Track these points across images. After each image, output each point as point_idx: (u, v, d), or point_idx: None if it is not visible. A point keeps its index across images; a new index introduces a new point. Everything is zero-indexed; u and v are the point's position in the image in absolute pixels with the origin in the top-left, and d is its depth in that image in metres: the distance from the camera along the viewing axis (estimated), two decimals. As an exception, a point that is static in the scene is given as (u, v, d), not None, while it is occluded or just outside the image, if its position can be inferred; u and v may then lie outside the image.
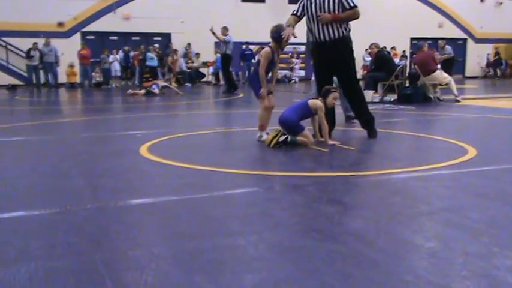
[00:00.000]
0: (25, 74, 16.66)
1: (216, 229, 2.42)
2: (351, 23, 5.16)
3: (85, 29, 18.09)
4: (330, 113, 5.17)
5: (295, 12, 5.09)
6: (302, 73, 20.06)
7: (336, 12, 4.90)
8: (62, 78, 16.43)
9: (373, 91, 9.61)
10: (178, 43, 18.63)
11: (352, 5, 4.90)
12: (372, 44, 9.95)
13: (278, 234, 2.34)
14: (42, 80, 16.17)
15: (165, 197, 3.03)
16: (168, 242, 2.28)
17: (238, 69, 18.42)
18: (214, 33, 12.50)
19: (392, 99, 9.63)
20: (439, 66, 10.66)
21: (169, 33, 19.09)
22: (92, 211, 2.75)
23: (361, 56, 18.55)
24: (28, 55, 15.81)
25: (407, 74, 10.38)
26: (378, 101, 9.50)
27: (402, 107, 8.78)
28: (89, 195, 3.08)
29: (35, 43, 15.83)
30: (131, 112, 9.28)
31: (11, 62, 17.08)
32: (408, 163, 4.04)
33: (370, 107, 5.61)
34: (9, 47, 17.02)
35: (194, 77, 18.23)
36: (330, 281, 1.82)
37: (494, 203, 2.87)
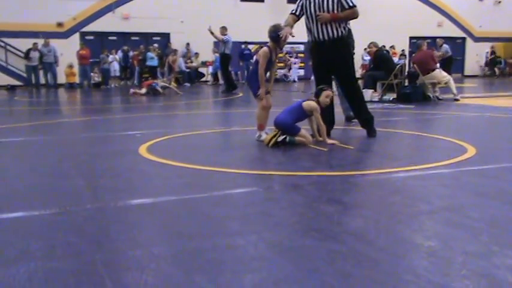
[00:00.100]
0: (24, 75, 16.65)
1: (215, 229, 2.42)
2: (350, 22, 5.16)
3: (84, 29, 18.08)
4: (329, 112, 5.18)
5: (293, 12, 5.09)
6: (301, 72, 20.04)
7: (335, 11, 4.90)
8: (61, 78, 16.43)
9: (372, 90, 9.61)
10: (177, 43, 18.63)
11: (351, 4, 4.90)
12: (370, 43, 9.95)
13: (278, 234, 2.34)
14: (42, 80, 16.15)
15: (165, 197, 3.03)
16: (168, 242, 2.28)
17: (238, 69, 18.42)
18: (212, 33, 12.49)
19: (391, 98, 9.63)
20: (438, 65, 10.66)
21: (169, 33, 19.08)
22: (92, 211, 2.75)
23: (360, 55, 18.56)
24: (27, 56, 15.80)
25: (406, 73, 10.39)
26: (377, 100, 9.50)
27: (401, 106, 8.78)
28: (89, 196, 3.08)
29: (35, 43, 15.82)
30: (130, 112, 9.28)
31: (10, 63, 17.06)
32: (408, 162, 4.04)
33: (369, 106, 5.62)
34: (8, 47, 17.00)
35: (193, 76, 18.23)
36: (329, 281, 1.83)
37: (493, 201, 2.87)
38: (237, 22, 16.82)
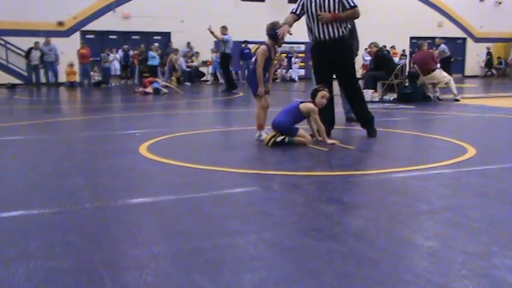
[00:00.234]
0: (25, 73, 16.65)
1: (215, 228, 2.42)
2: (355, 21, 5.14)
3: (85, 28, 18.08)
4: (329, 112, 5.17)
5: (294, 11, 5.08)
6: (302, 72, 20.04)
7: (336, 11, 4.89)
8: (62, 77, 16.43)
9: (372, 90, 9.61)
10: (177, 42, 18.63)
11: (352, 4, 4.90)
12: (371, 44, 9.94)
13: (277, 234, 2.34)
14: (42, 79, 16.16)
15: (165, 196, 3.03)
16: (168, 241, 2.27)
17: (238, 69, 18.42)
18: (212, 33, 12.49)
19: (391, 99, 9.63)
20: (438, 65, 10.66)
21: (169, 32, 19.08)
22: (92, 210, 2.75)
23: (360, 55, 18.54)
24: (28, 55, 15.81)
25: (406, 73, 10.39)
26: (377, 100, 9.50)
27: (402, 106, 8.78)
28: (89, 195, 3.08)
29: (37, 43, 15.83)
30: (131, 111, 9.28)
31: (10, 61, 17.06)
32: (408, 162, 4.04)
33: (369, 106, 5.61)
34: (8, 45, 17.00)
35: (194, 76, 18.24)
36: (329, 281, 1.82)
37: (494, 202, 2.87)
38: (237, 21, 16.81)
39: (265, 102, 5.09)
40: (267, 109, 5.12)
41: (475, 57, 23.36)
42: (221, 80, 17.22)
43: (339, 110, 6.44)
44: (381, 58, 9.95)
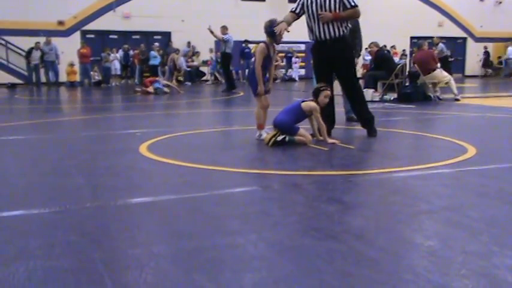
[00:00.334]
0: (25, 73, 16.66)
1: (215, 228, 2.42)
2: (359, 20, 5.13)
3: (85, 28, 18.09)
4: (329, 112, 5.17)
5: (293, 10, 5.08)
6: (302, 72, 20.04)
7: (337, 11, 4.89)
8: (62, 77, 16.44)
9: (373, 90, 9.61)
10: (178, 42, 18.63)
11: (353, 4, 4.90)
12: (371, 43, 9.94)
13: (278, 233, 2.34)
14: (43, 79, 16.16)
15: (165, 195, 3.03)
16: (168, 240, 2.27)
17: (238, 68, 18.42)
18: (212, 32, 12.48)
19: (392, 98, 9.63)
20: (438, 65, 10.66)
21: (170, 32, 19.08)
22: (92, 210, 2.75)
23: (361, 55, 18.51)
24: (29, 55, 15.82)
25: (407, 73, 10.38)
26: (377, 99, 9.50)
27: (402, 105, 8.78)
28: (89, 194, 3.08)
29: (38, 43, 15.84)
30: (131, 111, 9.28)
31: (11, 61, 17.06)
32: (408, 162, 4.04)
33: (370, 106, 5.61)
34: (9, 45, 17.00)
35: (194, 75, 18.26)
36: (329, 280, 1.82)
37: (493, 201, 2.87)
38: (237, 21, 16.81)
39: (265, 102, 5.08)
40: (267, 109, 5.12)
41: (475, 56, 23.36)
42: (219, 78, 17.27)
43: (340, 109, 6.44)
44: (381, 58, 9.95)
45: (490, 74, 22.31)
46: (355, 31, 6.31)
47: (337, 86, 5.53)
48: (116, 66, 17.45)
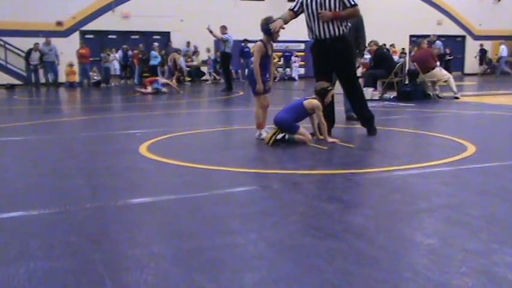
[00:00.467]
0: (24, 74, 16.65)
1: (215, 228, 2.42)
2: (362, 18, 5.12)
3: (84, 28, 18.06)
4: (329, 111, 5.17)
5: (292, 8, 5.08)
6: (302, 71, 20.03)
7: (337, 10, 4.89)
8: (61, 77, 16.43)
9: (372, 89, 9.60)
10: (177, 42, 18.61)
11: (352, 3, 4.90)
12: (371, 42, 9.92)
13: (278, 233, 2.34)
14: (42, 79, 16.15)
15: (165, 196, 3.03)
16: (168, 241, 2.27)
17: (238, 68, 18.41)
18: (211, 32, 12.47)
19: (391, 97, 9.63)
20: (438, 63, 10.66)
21: (169, 32, 19.07)
22: (92, 211, 2.75)
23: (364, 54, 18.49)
24: (28, 57, 15.82)
25: (406, 71, 10.38)
26: (377, 98, 9.50)
27: (401, 104, 8.78)
28: (89, 195, 3.08)
29: (36, 44, 15.82)
30: (131, 111, 9.28)
31: (9, 62, 17.05)
32: (408, 160, 4.04)
33: (369, 104, 5.61)
34: (7, 46, 16.99)
35: (194, 75, 18.25)
36: (330, 279, 1.82)
37: (493, 199, 2.87)
38: (236, 20, 16.79)
39: (265, 101, 5.08)
40: (266, 108, 5.11)
41: (474, 55, 23.35)
42: (217, 78, 17.27)
43: (340, 108, 6.45)
44: (381, 56, 9.94)
45: (488, 71, 22.31)
46: (359, 30, 6.29)
47: (337, 84, 5.53)
48: (115, 67, 17.44)
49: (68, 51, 16.34)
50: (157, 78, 13.57)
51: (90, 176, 3.64)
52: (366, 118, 5.32)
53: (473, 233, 2.30)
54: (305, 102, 4.80)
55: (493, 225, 2.40)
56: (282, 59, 19.79)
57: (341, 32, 4.98)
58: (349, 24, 5.14)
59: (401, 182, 3.35)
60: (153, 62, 16.80)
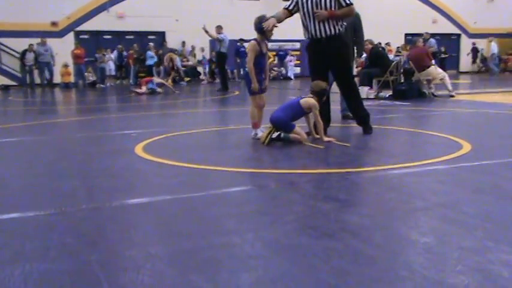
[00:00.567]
0: (18, 74, 16.57)
1: (212, 228, 2.42)
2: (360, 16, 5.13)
3: (79, 28, 18.00)
4: (325, 110, 5.18)
5: (286, 7, 5.08)
6: (297, 70, 20.04)
7: (332, 9, 4.90)
8: (57, 78, 16.36)
9: (368, 87, 9.62)
10: (172, 42, 18.58)
11: (348, 2, 4.91)
12: (366, 40, 9.92)
13: (274, 232, 2.34)
14: (37, 80, 16.08)
15: (161, 196, 3.02)
16: (164, 241, 2.27)
17: (234, 67, 18.40)
18: (207, 32, 12.46)
19: (387, 95, 9.65)
20: (433, 61, 10.69)
21: (164, 32, 19.03)
22: (88, 212, 2.74)
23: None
24: (23, 57, 15.75)
25: (401, 70, 10.40)
26: (373, 97, 9.51)
27: (397, 103, 8.80)
28: (84, 196, 3.07)
29: (31, 45, 15.75)
30: (126, 111, 9.26)
31: (4, 63, 16.97)
32: (403, 159, 4.05)
33: (365, 103, 5.62)
34: (2, 47, 16.90)
35: (190, 75, 18.24)
36: (326, 278, 1.83)
37: (489, 197, 2.88)
38: (232, 20, 16.78)
39: (261, 101, 5.08)
40: (262, 108, 5.11)
41: (469, 53, 23.44)
42: (209, 79, 17.26)
43: (337, 107, 6.46)
44: (376, 55, 9.96)
45: (483, 69, 22.39)
46: (357, 30, 6.30)
47: (334, 84, 5.54)
48: (111, 67, 17.40)
49: (62, 51, 16.28)
50: (152, 78, 13.55)
51: (86, 177, 3.63)
52: (362, 117, 5.33)
53: (469, 231, 2.31)
54: (302, 101, 4.80)
55: (488, 223, 2.41)
56: (276, 58, 19.80)
57: (337, 31, 4.99)
58: (344, 23, 5.15)
59: (397, 180, 3.36)
60: (149, 62, 16.79)
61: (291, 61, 19.79)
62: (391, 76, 9.83)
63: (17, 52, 16.43)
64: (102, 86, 16.43)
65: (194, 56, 18.88)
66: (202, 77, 18.99)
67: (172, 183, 3.39)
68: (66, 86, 16.30)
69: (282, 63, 19.87)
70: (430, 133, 5.33)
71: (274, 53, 19.43)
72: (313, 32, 5.02)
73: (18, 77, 16.66)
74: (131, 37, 18.62)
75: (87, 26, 18.05)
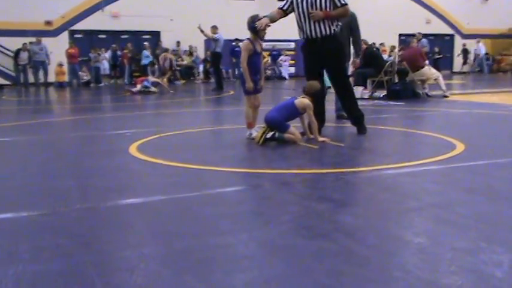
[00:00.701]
0: (12, 74, 16.47)
1: (206, 228, 2.42)
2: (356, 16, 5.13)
3: (73, 28, 17.90)
4: (319, 110, 5.18)
5: (281, 7, 5.09)
6: (292, 70, 20.05)
7: (328, 9, 4.90)
8: (51, 77, 16.28)
9: (362, 87, 9.65)
10: (167, 41, 18.54)
11: (343, 2, 4.92)
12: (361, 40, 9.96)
13: (268, 233, 2.34)
14: (31, 79, 15.99)
15: (155, 196, 3.01)
16: (158, 241, 2.27)
17: (229, 67, 18.39)
18: (202, 31, 12.44)
19: (381, 95, 9.68)
20: (427, 62, 10.74)
21: (159, 31, 18.97)
22: (81, 212, 2.73)
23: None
24: (17, 57, 15.65)
25: (395, 69, 10.44)
26: (367, 97, 9.54)
27: (391, 103, 8.83)
28: (78, 196, 3.06)
29: (24, 44, 15.66)
30: (121, 111, 9.22)
31: (-3, 62, 16.86)
32: (397, 159, 4.06)
33: (359, 103, 5.63)
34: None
35: (184, 74, 18.20)
36: (320, 279, 1.83)
37: (482, 198, 2.90)
38: (227, 20, 16.75)
39: (256, 101, 5.08)
40: (257, 108, 5.11)
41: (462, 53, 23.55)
42: (202, 78, 17.25)
43: (331, 107, 6.47)
44: (370, 55, 9.99)
45: (478, 70, 22.52)
46: (354, 30, 6.30)
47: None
48: (105, 66, 17.33)
49: (57, 51, 16.20)
50: (148, 77, 13.51)
51: (80, 177, 3.62)
52: (356, 117, 5.35)
53: (462, 231, 2.32)
54: (296, 102, 4.80)
55: (481, 224, 2.43)
56: (269, 58, 19.80)
57: (332, 31, 5.00)
58: (339, 23, 5.16)
59: (391, 180, 3.37)
60: (144, 62, 16.74)
61: (285, 61, 19.79)
62: (385, 76, 9.86)
63: (11, 51, 16.32)
64: (98, 85, 16.37)
65: (191, 54, 18.81)
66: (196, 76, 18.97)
67: (166, 183, 3.38)
68: (60, 86, 16.22)
69: (275, 63, 19.87)
70: (423, 133, 5.35)
71: (268, 52, 19.43)
72: (308, 32, 5.02)
73: (12, 76, 16.56)
74: (126, 36, 18.54)
75: (81, 26, 17.96)
